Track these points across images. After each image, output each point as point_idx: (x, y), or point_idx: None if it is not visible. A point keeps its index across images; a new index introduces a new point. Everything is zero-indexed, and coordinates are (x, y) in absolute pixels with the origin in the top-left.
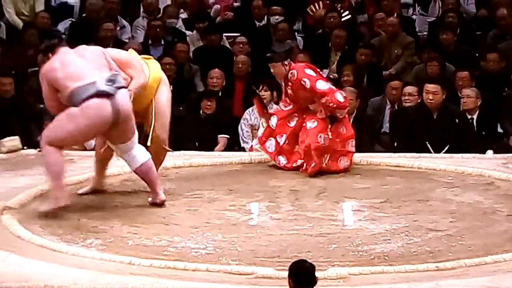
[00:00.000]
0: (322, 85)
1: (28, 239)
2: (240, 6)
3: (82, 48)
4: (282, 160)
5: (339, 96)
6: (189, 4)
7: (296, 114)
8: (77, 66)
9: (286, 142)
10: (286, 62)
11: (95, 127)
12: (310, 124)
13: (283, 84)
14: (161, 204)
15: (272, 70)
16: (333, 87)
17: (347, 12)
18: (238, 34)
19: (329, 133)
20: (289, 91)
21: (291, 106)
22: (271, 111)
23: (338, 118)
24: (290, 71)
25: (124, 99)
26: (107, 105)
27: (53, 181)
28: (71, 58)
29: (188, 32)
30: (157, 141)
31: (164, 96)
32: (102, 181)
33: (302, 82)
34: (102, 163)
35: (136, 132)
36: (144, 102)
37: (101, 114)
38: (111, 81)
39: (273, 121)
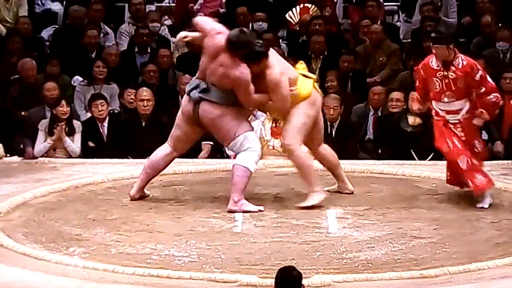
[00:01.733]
0: (491, 80)
1: (11, 247)
2: (226, 12)
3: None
4: None
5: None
6: (174, 11)
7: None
8: None
9: None
10: (451, 46)
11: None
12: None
13: (438, 69)
14: (231, 212)
15: (434, 51)
16: None
17: (313, 7)
18: None
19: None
20: (450, 77)
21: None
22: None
23: (487, 118)
24: (457, 57)
25: (203, 111)
26: (188, 104)
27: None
28: None
29: (173, 39)
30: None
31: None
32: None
33: (474, 70)
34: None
35: (240, 138)
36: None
37: (183, 109)
38: (202, 90)
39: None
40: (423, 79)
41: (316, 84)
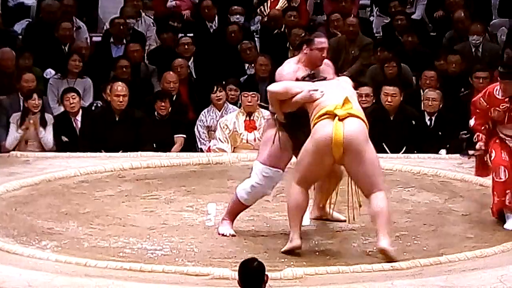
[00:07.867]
0: None
1: None
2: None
3: None
4: None
5: None
6: (153, 4)
7: None
8: None
9: None
10: None
11: None
12: None
13: (503, 100)
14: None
15: (502, 86)
16: None
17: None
18: (191, 35)
19: None
20: None
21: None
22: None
23: None
24: None
25: None
26: None
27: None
28: None
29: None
30: None
31: None
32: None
33: None
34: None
35: None
36: None
37: None
38: None
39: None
40: (485, 109)
41: (338, 121)
